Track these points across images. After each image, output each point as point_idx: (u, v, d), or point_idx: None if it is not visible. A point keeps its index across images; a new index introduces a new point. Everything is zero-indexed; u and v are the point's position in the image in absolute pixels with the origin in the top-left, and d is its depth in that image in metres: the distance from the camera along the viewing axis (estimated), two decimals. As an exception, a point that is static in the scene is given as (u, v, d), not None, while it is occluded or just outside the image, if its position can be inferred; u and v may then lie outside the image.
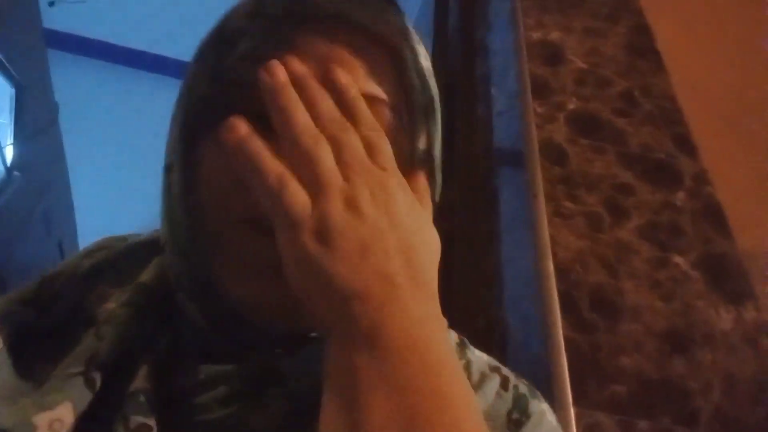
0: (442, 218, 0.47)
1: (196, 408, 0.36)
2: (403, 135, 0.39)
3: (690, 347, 0.83)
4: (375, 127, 0.34)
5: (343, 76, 0.35)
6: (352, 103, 0.34)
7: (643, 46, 1.33)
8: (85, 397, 0.35)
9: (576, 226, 0.89)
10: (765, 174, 1.24)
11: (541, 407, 0.45)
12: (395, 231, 0.31)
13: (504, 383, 0.45)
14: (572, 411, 0.69)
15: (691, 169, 1.08)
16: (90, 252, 0.45)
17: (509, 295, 0.89)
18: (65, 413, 0.35)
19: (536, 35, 1.24)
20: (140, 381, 0.36)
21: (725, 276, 0.94)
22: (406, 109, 0.40)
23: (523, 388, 0.46)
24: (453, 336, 0.47)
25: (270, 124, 0.33)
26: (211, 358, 0.38)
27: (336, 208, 0.30)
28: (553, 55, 1.20)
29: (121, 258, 0.44)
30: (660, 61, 1.31)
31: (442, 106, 0.44)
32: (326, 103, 0.33)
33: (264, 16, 0.38)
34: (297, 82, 0.34)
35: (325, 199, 0.30)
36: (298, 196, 0.31)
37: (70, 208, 2.60)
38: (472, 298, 0.93)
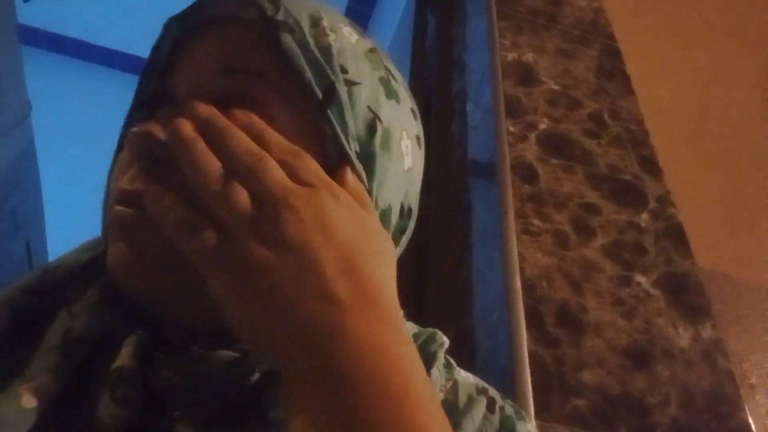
0: (416, 229, 0.49)
1: (176, 421, 0.37)
2: (307, 122, 0.38)
3: (649, 363, 0.86)
4: (288, 148, 0.34)
5: (241, 116, 0.35)
6: (260, 135, 0.34)
7: (612, 69, 1.38)
8: (65, 366, 0.37)
9: (544, 244, 0.92)
10: (724, 196, 1.29)
11: (527, 428, 0.46)
12: (332, 249, 0.29)
13: (491, 405, 0.46)
14: (534, 424, 0.72)
15: (655, 191, 1.12)
16: (92, 245, 0.46)
17: (479, 308, 0.91)
18: (48, 381, 0.36)
19: (511, 56, 1.28)
20: (123, 359, 0.37)
21: (685, 295, 0.97)
22: (302, 94, 0.38)
23: (509, 409, 0.47)
24: (440, 356, 0.47)
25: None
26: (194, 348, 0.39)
27: (250, 247, 0.29)
28: (526, 76, 1.24)
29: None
30: (629, 84, 1.36)
31: (420, 115, 0.46)
32: (235, 140, 0.33)
33: (167, 27, 0.41)
34: (203, 127, 0.33)
35: (238, 241, 0.30)
36: (207, 240, 0.30)
37: (39, 207, 2.56)
38: (445, 309, 0.96)
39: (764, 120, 1.54)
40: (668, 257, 1.01)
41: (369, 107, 0.39)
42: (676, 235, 1.06)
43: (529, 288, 0.85)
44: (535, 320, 0.83)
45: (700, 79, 1.54)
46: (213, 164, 0.31)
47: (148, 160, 0.35)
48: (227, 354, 0.38)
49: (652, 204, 1.09)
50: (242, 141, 0.32)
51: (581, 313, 0.86)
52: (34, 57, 3.27)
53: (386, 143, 0.40)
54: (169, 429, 0.36)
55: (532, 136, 1.11)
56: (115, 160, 0.43)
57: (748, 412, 0.90)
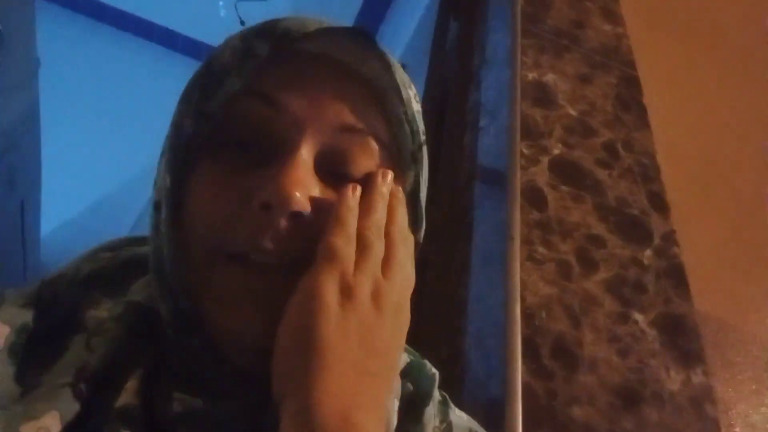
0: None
1: None
2: (391, 166, 0.42)
3: (639, 404, 0.86)
4: (403, 233, 0.40)
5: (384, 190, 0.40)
6: (392, 210, 0.40)
7: (630, 99, 1.37)
8: (72, 408, 0.36)
9: (547, 272, 0.92)
10: (727, 240, 1.29)
11: None
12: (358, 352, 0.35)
13: None
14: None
15: (661, 228, 1.12)
16: (95, 253, 0.45)
17: (474, 331, 0.91)
18: (51, 422, 0.35)
19: (531, 75, 1.27)
20: (128, 396, 0.37)
21: (680, 337, 0.97)
22: (395, 143, 0.42)
23: None
24: (436, 394, 0.48)
25: (251, 153, 0.37)
26: (193, 388, 0.39)
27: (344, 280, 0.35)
28: (544, 98, 1.23)
29: (118, 268, 0.44)
30: (645, 115, 1.35)
31: (432, 129, 0.47)
32: (374, 217, 0.38)
33: (251, 56, 0.39)
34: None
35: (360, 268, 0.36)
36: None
37: (37, 167, 2.54)
38: (439, 327, 0.95)
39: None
40: (667, 297, 1.01)
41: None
42: (676, 276, 1.06)
43: (528, 317, 0.85)
44: (530, 351, 0.82)
45: (716, 119, 1.53)
46: (352, 226, 0.38)
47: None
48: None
49: (656, 241, 1.09)
50: (375, 221, 0.39)
51: (577, 347, 0.86)
52: (44, 10, 3.23)
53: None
54: None
55: (545, 160, 1.10)
56: (172, 152, 0.40)
57: (729, 461, 0.90)
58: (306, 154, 0.38)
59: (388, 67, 0.41)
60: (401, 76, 0.42)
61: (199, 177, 0.39)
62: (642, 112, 1.36)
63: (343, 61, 0.40)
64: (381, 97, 0.41)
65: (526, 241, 0.95)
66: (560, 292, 0.91)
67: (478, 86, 1.40)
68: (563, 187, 1.07)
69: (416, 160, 0.43)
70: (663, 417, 0.86)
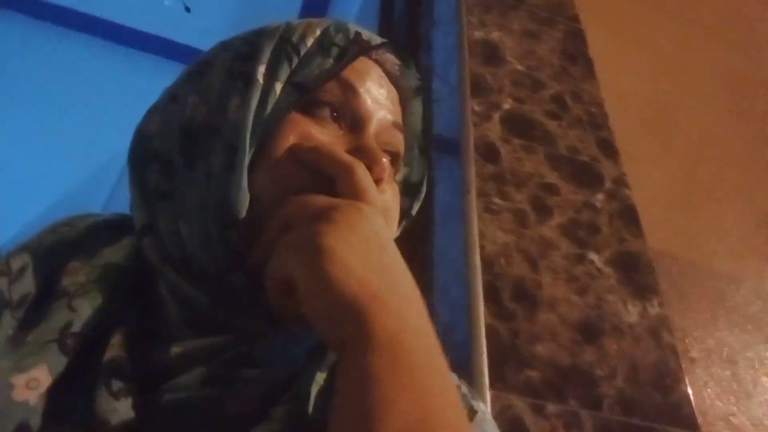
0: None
1: (171, 388, 0.38)
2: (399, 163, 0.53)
3: (599, 337, 0.91)
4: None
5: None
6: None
7: (576, 52, 1.40)
8: (61, 361, 0.37)
9: (503, 222, 0.96)
10: (677, 180, 1.34)
11: (481, 407, 0.50)
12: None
13: None
14: (488, 394, 0.75)
15: (611, 172, 1.16)
16: (53, 228, 0.46)
17: (440, 284, 0.94)
18: (41, 374, 0.36)
19: (478, 34, 1.29)
20: (115, 350, 0.38)
21: (635, 273, 1.02)
22: (408, 146, 0.54)
23: (465, 389, 0.51)
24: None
25: (323, 113, 0.47)
26: (187, 333, 0.41)
27: (322, 234, 0.38)
28: (492, 55, 1.26)
29: (85, 236, 0.45)
30: (591, 67, 1.39)
31: None
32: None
33: (335, 46, 0.49)
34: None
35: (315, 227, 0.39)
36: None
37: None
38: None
39: (719, 108, 1.59)
40: (621, 237, 1.06)
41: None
42: (629, 216, 1.10)
43: (487, 264, 0.89)
44: (492, 295, 0.86)
45: (660, 65, 1.58)
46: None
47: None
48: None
49: (607, 185, 1.13)
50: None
51: (536, 289, 0.90)
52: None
53: None
54: (162, 403, 0.38)
55: (496, 115, 1.13)
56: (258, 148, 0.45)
57: (688, 384, 0.96)
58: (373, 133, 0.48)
59: (418, 85, 0.53)
60: (424, 94, 0.54)
61: (293, 124, 0.45)
62: (588, 63, 1.39)
63: (392, 70, 0.52)
64: (408, 102, 0.53)
65: (483, 194, 0.98)
66: (517, 239, 0.94)
67: (428, 49, 1.42)
68: (515, 140, 1.10)
69: (425, 155, 0.55)
70: (623, 347, 0.91)
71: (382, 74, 0.51)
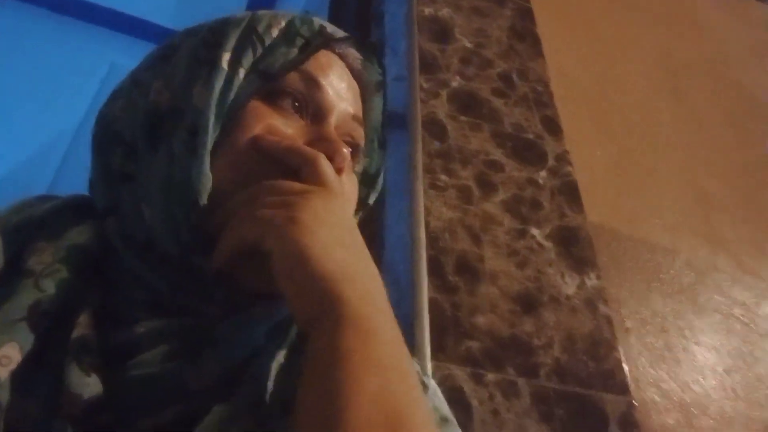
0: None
1: (135, 364, 0.39)
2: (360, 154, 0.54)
3: (537, 309, 0.94)
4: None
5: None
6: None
7: (524, 30, 1.43)
8: (30, 339, 0.38)
9: (448, 198, 0.98)
10: (617, 158, 1.39)
11: (431, 383, 0.53)
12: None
13: None
14: (429, 365, 0.78)
15: (555, 150, 1.20)
16: (18, 208, 0.47)
17: (387, 259, 0.96)
18: (12, 352, 0.37)
19: (428, 10, 1.30)
20: (83, 328, 0.39)
21: (574, 247, 1.06)
22: (369, 138, 0.56)
23: (416, 365, 0.53)
24: None
25: (286, 103, 0.48)
26: (150, 315, 0.42)
27: (298, 213, 0.40)
28: (441, 32, 1.27)
29: (49, 216, 0.46)
30: (538, 45, 1.42)
31: None
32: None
33: (299, 36, 0.50)
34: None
35: (293, 208, 0.40)
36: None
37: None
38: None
39: (659, 91, 1.65)
40: (562, 212, 1.10)
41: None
42: (570, 192, 1.14)
43: (432, 239, 0.91)
44: (436, 269, 0.88)
45: (605, 47, 1.62)
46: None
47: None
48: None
49: (550, 162, 1.17)
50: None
51: (478, 262, 0.93)
52: None
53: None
54: (127, 378, 0.39)
55: (444, 93, 1.15)
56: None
57: (622, 352, 1.01)
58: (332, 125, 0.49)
59: (381, 80, 0.55)
60: (385, 89, 0.56)
61: (254, 110, 0.46)
62: (536, 42, 1.42)
63: (354, 64, 0.53)
64: (369, 96, 0.55)
65: (429, 171, 1.00)
66: (462, 215, 0.97)
67: (379, 23, 1.42)
68: (462, 118, 1.12)
69: (384, 150, 0.56)
70: (560, 318, 0.95)
71: (345, 68, 0.52)
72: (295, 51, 0.49)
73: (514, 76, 1.29)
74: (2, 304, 0.39)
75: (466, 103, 1.15)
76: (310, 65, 0.49)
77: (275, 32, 0.49)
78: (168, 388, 0.39)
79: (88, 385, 0.37)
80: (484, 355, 0.85)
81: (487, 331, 0.87)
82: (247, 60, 0.47)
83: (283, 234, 0.39)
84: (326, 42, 0.50)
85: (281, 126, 0.46)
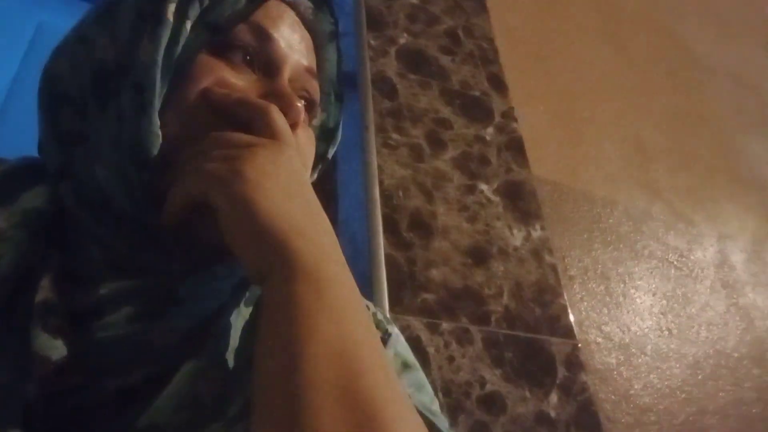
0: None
1: (101, 326, 0.39)
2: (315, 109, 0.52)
3: (487, 260, 0.99)
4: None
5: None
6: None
7: (469, -14, 1.44)
8: None
9: (401, 156, 1.00)
10: (559, 112, 1.44)
11: (395, 330, 0.54)
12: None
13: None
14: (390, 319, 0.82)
15: (501, 107, 1.23)
16: None
17: (342, 218, 0.98)
18: None
19: (373, -33, 1.30)
20: (46, 291, 0.39)
21: (520, 201, 1.11)
22: (324, 89, 0.54)
23: (380, 315, 0.54)
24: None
25: (236, 57, 0.46)
26: (112, 275, 0.42)
27: (245, 168, 0.39)
28: (388, -11, 1.27)
29: (2, 181, 0.45)
30: (483, 1, 1.43)
31: None
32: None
33: None
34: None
35: (240, 162, 0.40)
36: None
37: None
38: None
39: (598, 42, 1.69)
40: (508, 167, 1.14)
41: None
42: (516, 148, 1.18)
43: (386, 198, 0.94)
44: (390, 226, 0.91)
45: (549, 3, 1.65)
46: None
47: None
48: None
49: (497, 119, 1.20)
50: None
51: (431, 219, 0.96)
52: None
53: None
54: (94, 340, 0.39)
55: (393, 50, 1.16)
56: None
57: (566, 298, 1.07)
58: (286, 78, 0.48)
59: (333, 30, 0.53)
60: (339, 40, 0.54)
61: (204, 65, 0.45)
62: (480, -2, 1.44)
63: (305, 14, 0.51)
64: (322, 47, 0.53)
65: (381, 130, 1.02)
66: (414, 173, 1.00)
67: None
68: (411, 76, 1.14)
69: (341, 102, 0.55)
70: (509, 268, 1.00)
71: (296, 19, 0.50)
72: (243, 1, 0.47)
73: (460, 33, 1.31)
74: None
75: (415, 61, 1.17)
76: (260, 16, 0.47)
77: None
78: (135, 349, 0.39)
79: (56, 348, 0.37)
80: (439, 306, 0.89)
81: (441, 283, 0.91)
82: (194, 11, 0.46)
83: (227, 188, 0.38)
84: None
85: (232, 79, 0.45)
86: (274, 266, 0.36)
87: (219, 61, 0.45)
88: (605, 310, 1.19)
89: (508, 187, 1.10)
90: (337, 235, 0.41)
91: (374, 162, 0.94)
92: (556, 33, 1.59)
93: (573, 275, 1.17)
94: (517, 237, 1.04)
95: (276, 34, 0.48)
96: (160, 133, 0.42)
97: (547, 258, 1.07)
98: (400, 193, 0.96)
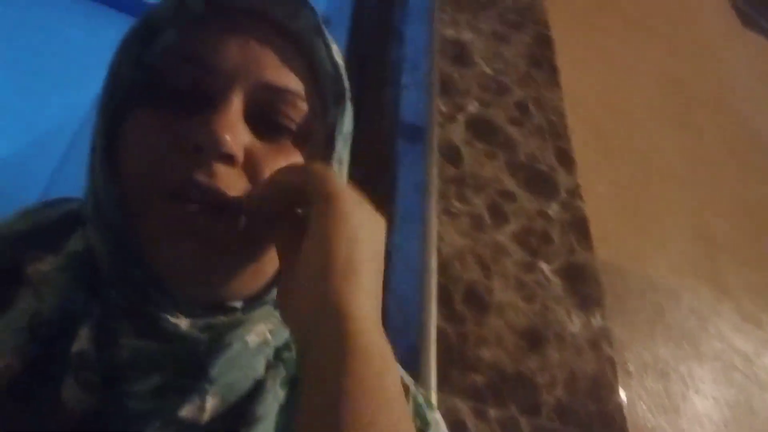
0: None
1: (130, 394, 0.38)
2: (315, 120, 0.44)
3: (543, 345, 0.93)
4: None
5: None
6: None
7: (542, 58, 1.42)
8: (31, 348, 0.37)
9: (461, 225, 0.97)
10: (627, 192, 1.38)
11: (435, 417, 0.49)
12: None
13: (405, 393, 0.48)
14: (434, 396, 0.76)
15: (566, 183, 1.19)
16: (25, 213, 0.45)
17: (394, 282, 0.94)
18: (15, 361, 0.36)
19: (449, 32, 1.30)
20: (83, 342, 0.37)
21: (581, 284, 1.05)
22: (318, 96, 0.44)
23: (421, 398, 0.49)
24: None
25: (186, 103, 0.39)
26: (134, 330, 0.39)
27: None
28: (461, 55, 1.26)
29: (52, 225, 0.44)
30: (556, 74, 1.41)
31: (353, 87, 0.48)
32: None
33: (185, 10, 0.42)
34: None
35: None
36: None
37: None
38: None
39: (666, 123, 1.64)
40: (571, 248, 1.08)
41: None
42: (580, 227, 1.13)
43: (443, 267, 0.89)
44: (444, 298, 0.87)
45: (620, 78, 1.62)
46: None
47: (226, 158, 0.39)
48: (190, 325, 0.40)
49: (562, 195, 1.16)
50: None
51: (487, 294, 0.92)
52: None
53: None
54: (123, 405, 0.37)
55: (461, 117, 1.14)
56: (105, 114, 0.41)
57: (623, 396, 1.00)
58: (236, 105, 0.40)
59: (317, 23, 0.43)
60: (326, 31, 0.45)
61: (136, 122, 0.40)
62: (553, 70, 1.42)
63: (276, 17, 0.43)
64: (309, 52, 0.44)
65: (443, 196, 0.99)
66: (473, 243, 0.96)
67: (400, 42, 1.41)
68: (478, 144, 1.11)
69: (338, 104, 0.45)
70: (564, 357, 0.94)
71: (254, 32, 0.42)
72: (173, 33, 0.41)
73: (530, 105, 1.28)
74: (3, 314, 0.38)
75: (483, 130, 1.14)
76: (196, 44, 0.41)
77: (163, 9, 0.42)
78: (163, 426, 0.37)
79: (84, 402, 0.36)
80: (488, 390, 0.83)
81: (491, 365, 0.85)
82: (130, 54, 0.41)
83: (325, 186, 0.36)
84: (216, 5, 0.42)
85: (153, 138, 0.39)
86: (321, 328, 0.34)
87: (152, 113, 0.40)
88: (663, 412, 1.10)
89: (569, 268, 1.04)
90: (388, 299, 0.38)
91: (434, 228, 0.91)
92: (627, 112, 1.55)
93: (631, 371, 1.09)
94: (575, 323, 0.98)
95: (216, 61, 0.40)
96: (110, 180, 0.40)
97: (606, 349, 1.00)
98: (457, 264, 0.92)
